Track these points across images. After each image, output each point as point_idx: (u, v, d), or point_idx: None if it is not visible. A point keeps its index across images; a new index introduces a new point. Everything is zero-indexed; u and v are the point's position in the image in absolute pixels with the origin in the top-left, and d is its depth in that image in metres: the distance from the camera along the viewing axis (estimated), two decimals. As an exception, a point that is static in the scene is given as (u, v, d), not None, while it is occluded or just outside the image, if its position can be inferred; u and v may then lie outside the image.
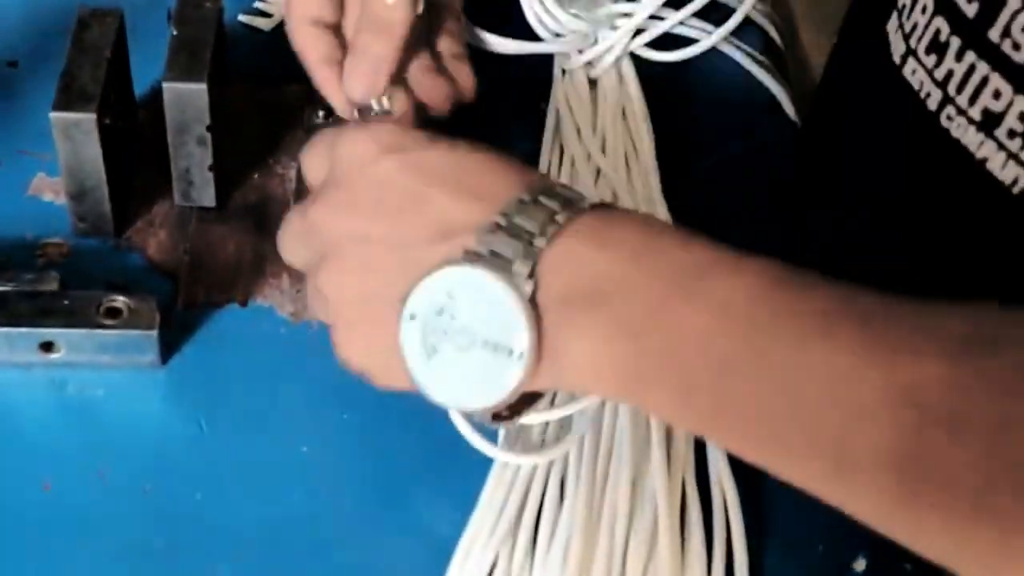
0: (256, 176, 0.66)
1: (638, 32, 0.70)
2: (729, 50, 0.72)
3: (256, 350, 0.59)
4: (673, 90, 0.71)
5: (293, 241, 0.50)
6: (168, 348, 0.58)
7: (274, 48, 0.68)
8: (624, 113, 0.69)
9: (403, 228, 0.44)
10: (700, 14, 0.70)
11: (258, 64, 0.70)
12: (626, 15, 0.70)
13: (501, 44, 0.71)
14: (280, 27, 0.68)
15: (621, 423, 0.55)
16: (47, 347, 0.56)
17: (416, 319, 0.43)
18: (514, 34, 0.71)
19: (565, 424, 0.55)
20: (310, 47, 0.58)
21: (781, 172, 0.69)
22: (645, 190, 0.65)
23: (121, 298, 0.57)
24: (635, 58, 0.71)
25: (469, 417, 0.54)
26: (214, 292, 0.61)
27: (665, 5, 0.70)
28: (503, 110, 0.69)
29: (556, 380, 0.43)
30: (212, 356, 0.58)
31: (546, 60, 0.71)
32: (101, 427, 0.56)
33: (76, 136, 0.58)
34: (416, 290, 0.43)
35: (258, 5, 0.75)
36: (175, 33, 0.62)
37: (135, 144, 0.65)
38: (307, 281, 0.49)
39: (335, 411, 0.57)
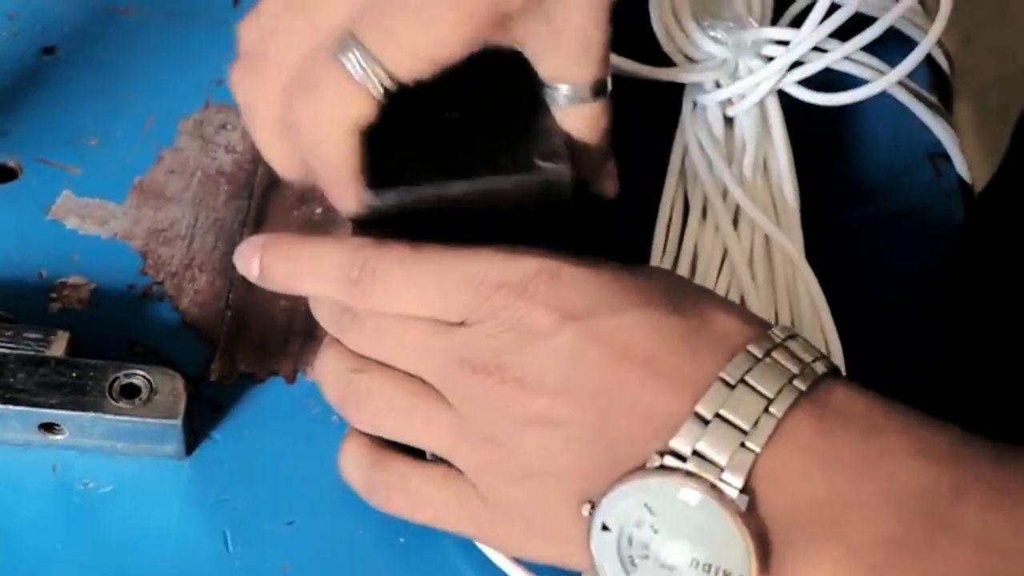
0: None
1: (791, 66, 0.57)
2: (894, 90, 0.59)
3: (302, 442, 0.48)
4: (822, 137, 0.59)
5: (435, 428, 0.43)
6: (195, 435, 0.47)
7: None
8: (766, 164, 0.57)
9: (612, 418, 0.39)
10: (869, 48, 0.58)
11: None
12: (780, 43, 0.58)
13: (619, 63, 0.59)
14: None
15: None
16: (48, 427, 0.46)
17: (611, 531, 0.38)
18: (638, 54, 0.59)
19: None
20: (351, 159, 0.43)
21: (948, 241, 0.57)
22: (786, 254, 0.53)
23: (140, 372, 0.46)
24: (782, 96, 0.58)
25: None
26: (257, 362, 0.50)
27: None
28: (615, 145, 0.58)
29: None
30: (248, 448, 0.48)
31: (671, 88, 0.59)
32: (103, 532, 0.45)
33: None
34: (609, 498, 0.38)
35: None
36: None
37: None
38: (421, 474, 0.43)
39: (393, 528, 0.46)
